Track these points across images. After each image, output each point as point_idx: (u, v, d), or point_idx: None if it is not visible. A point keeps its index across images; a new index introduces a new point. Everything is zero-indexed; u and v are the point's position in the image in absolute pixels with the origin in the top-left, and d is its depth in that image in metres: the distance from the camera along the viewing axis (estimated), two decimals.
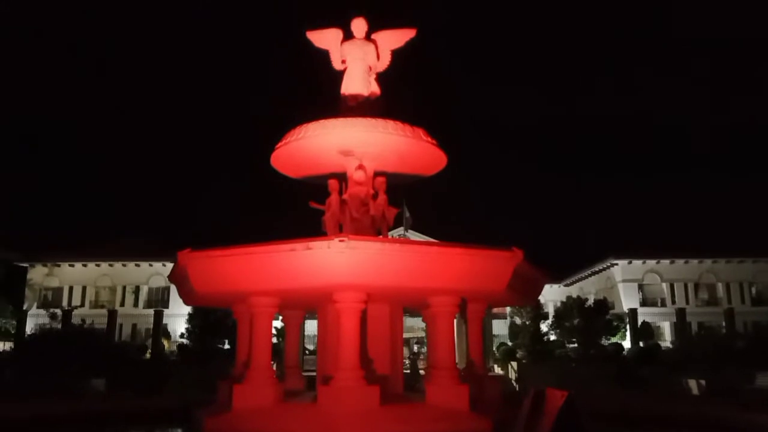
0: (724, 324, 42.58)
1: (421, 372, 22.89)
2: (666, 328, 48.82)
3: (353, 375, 10.03)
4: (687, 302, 49.41)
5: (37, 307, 48.49)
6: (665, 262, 50.88)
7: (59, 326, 37.17)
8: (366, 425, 9.53)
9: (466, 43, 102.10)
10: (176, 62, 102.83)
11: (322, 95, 14.67)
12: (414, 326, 41.72)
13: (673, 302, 49.65)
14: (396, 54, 14.20)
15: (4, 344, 45.52)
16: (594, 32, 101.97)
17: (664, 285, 51.28)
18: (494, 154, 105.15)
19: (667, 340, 45.32)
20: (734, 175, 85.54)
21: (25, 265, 50.61)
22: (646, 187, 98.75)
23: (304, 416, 10.22)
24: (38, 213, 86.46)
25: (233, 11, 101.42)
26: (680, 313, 42.29)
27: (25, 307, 47.79)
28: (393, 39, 14.09)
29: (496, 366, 40.09)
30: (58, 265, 51.84)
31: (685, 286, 51.17)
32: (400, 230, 39.32)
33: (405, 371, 14.55)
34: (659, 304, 50.39)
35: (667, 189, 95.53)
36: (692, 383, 20.91)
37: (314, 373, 13.49)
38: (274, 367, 12.45)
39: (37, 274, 51.70)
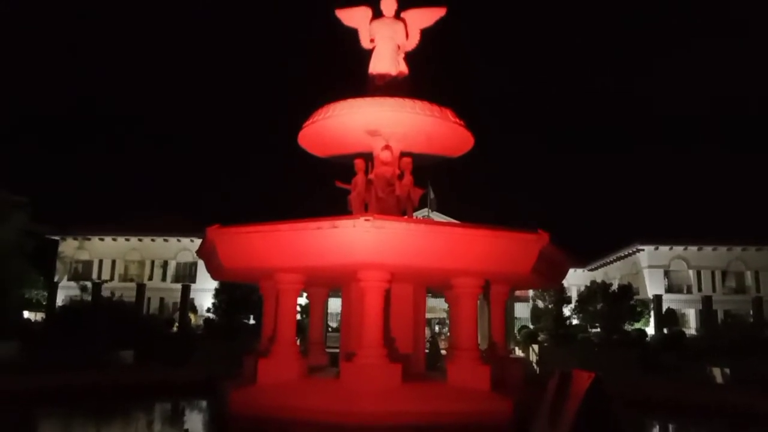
0: (751, 313, 41.96)
1: (443, 352, 23.02)
2: (691, 315, 48.26)
3: (376, 353, 10.14)
4: (714, 290, 48.71)
5: (68, 280, 49.54)
6: (693, 248, 50.15)
7: (89, 299, 38.04)
8: (387, 402, 9.65)
9: (488, 25, 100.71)
10: (209, 39, 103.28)
11: (351, 74, 14.66)
12: (436, 307, 41.83)
13: (700, 289, 48.99)
14: (425, 33, 14.08)
15: (36, 315, 46.68)
16: (620, 11, 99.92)
17: (690, 272, 50.59)
18: (522, 136, 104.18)
19: (692, 328, 44.85)
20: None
21: (56, 238, 51.66)
22: (675, 173, 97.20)
23: (327, 391, 10.38)
24: (70, 187, 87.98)
25: None
26: (706, 301, 41.74)
27: (56, 279, 48.85)
28: (422, 18, 13.96)
29: (517, 349, 40.08)
30: (89, 239, 52.87)
31: (713, 273, 50.41)
32: (425, 211, 39.32)
33: (426, 351, 14.65)
34: (685, 291, 49.77)
35: (697, 174, 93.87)
36: (716, 371, 20.74)
37: (337, 350, 13.64)
38: (299, 343, 12.62)
39: (68, 247, 52.76)
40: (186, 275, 51.66)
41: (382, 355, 10.17)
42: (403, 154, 13.31)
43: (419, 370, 12.08)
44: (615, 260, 54.75)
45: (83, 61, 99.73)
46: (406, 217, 12.83)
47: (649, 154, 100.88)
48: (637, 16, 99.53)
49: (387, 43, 13.68)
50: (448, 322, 30.36)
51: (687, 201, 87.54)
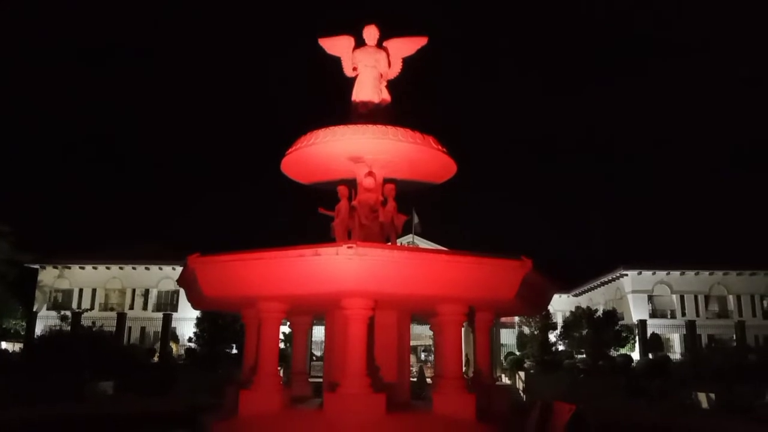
0: (734, 337, 42.20)
1: (428, 380, 22.82)
2: (676, 340, 48.42)
3: (360, 382, 9.99)
4: (697, 314, 48.99)
5: (47, 309, 48.76)
6: (675, 273, 50.53)
7: (69, 328, 37.39)
8: None
9: (469, 48, 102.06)
10: (190, 67, 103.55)
11: (334, 102, 14.72)
12: (422, 334, 41.62)
13: (683, 314, 49.26)
14: (407, 61, 14.22)
15: (14, 345, 45.77)
16: (603, 31, 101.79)
17: (674, 296, 50.91)
18: (504, 161, 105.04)
19: (677, 353, 44.95)
20: (747, 186, 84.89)
21: (36, 266, 50.91)
22: (656, 197, 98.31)
23: (309, 423, 10.20)
24: (50, 215, 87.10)
25: (248, 17, 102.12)
26: (690, 326, 41.93)
27: (35, 309, 48.04)
28: (404, 47, 14.10)
29: (503, 376, 39.89)
30: (69, 267, 52.15)
31: (696, 298, 50.77)
32: (409, 237, 39.31)
33: (412, 379, 14.50)
34: (669, 316, 50.02)
35: (678, 199, 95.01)
36: (702, 396, 20.75)
37: (321, 380, 13.45)
38: (281, 373, 12.43)
39: (48, 275, 52.00)
40: (168, 304, 51.07)
41: (366, 384, 10.02)
42: (386, 181, 13.32)
43: (404, 400, 11.91)
44: (599, 285, 54.98)
45: (66, 85, 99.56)
46: (389, 243, 12.78)
47: (630, 178, 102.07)
48: (619, 24, 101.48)
49: (369, 72, 13.78)
50: (433, 349, 30.17)
51: (668, 225, 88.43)
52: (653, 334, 43.57)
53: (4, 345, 45.53)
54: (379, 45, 13.98)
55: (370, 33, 13.92)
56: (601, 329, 36.06)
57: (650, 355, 38.46)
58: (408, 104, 14.69)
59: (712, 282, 50.92)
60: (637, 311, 48.69)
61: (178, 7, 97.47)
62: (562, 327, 39.87)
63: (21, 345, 42.83)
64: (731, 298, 50.91)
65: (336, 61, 14.17)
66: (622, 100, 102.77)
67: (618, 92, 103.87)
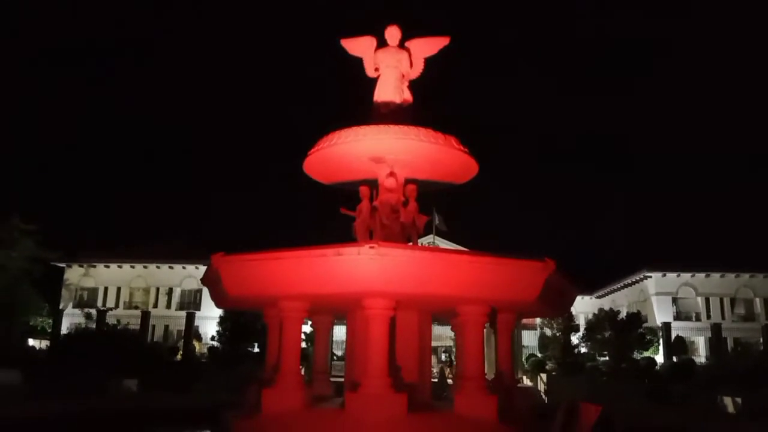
0: (761, 341, 41.49)
1: (449, 381, 22.77)
2: (701, 343, 47.70)
3: (381, 382, 10.00)
4: (723, 317, 48.19)
5: (73, 307, 49.48)
6: (700, 275, 49.76)
7: (94, 326, 37.97)
8: None
9: (482, 47, 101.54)
10: (214, 67, 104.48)
11: (356, 102, 14.75)
12: (443, 335, 41.50)
13: (709, 317, 48.48)
14: (429, 61, 14.19)
15: (41, 342, 46.55)
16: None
17: (699, 299, 50.13)
18: (529, 162, 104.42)
19: (701, 356, 44.32)
20: None
21: (62, 265, 51.70)
22: (683, 198, 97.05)
23: (331, 422, 10.24)
24: (77, 214, 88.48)
25: (272, 18, 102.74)
26: (716, 329, 41.28)
27: (61, 307, 48.80)
28: (426, 47, 14.07)
29: (524, 377, 39.67)
30: (95, 266, 52.90)
31: (721, 300, 49.93)
32: (430, 238, 39.26)
33: (433, 380, 14.47)
34: (694, 319, 49.29)
35: (704, 200, 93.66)
36: (728, 401, 20.41)
37: (342, 379, 13.49)
38: (303, 372, 12.48)
39: (74, 274, 52.79)
40: (191, 302, 51.55)
41: (387, 384, 10.03)
42: (407, 181, 13.32)
43: (425, 400, 11.90)
44: (622, 287, 54.37)
45: (91, 89, 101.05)
46: (410, 244, 12.78)
47: (654, 181, 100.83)
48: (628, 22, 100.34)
49: (391, 72, 13.78)
50: (454, 350, 30.06)
51: (693, 227, 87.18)
52: (677, 337, 42.99)
53: (31, 342, 46.33)
54: (401, 45, 13.96)
55: (392, 33, 13.90)
56: (625, 332, 35.69)
57: (674, 359, 37.98)
58: (429, 104, 14.65)
59: (738, 284, 50.05)
60: (661, 314, 48.06)
61: (199, 7, 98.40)
62: (584, 329, 39.54)
63: (47, 342, 43.56)
64: (758, 301, 49.99)
65: (359, 62, 14.19)
66: (644, 98, 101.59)
67: (640, 90, 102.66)
